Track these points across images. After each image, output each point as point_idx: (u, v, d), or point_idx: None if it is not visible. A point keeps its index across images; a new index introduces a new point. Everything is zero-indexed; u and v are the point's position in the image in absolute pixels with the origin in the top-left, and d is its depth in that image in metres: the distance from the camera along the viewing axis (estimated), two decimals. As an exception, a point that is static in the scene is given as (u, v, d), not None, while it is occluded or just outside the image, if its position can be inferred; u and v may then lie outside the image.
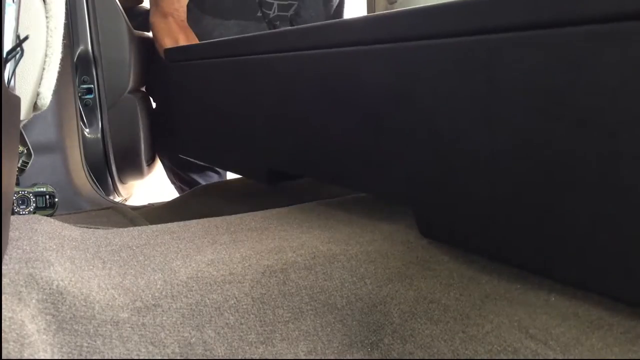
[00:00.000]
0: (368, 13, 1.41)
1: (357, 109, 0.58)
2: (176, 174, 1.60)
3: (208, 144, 0.96)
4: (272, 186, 0.80)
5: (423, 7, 0.49)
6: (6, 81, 0.56)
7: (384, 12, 0.55)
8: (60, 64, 0.85)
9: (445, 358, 0.40)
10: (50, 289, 0.40)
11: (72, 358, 0.38)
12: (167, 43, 1.28)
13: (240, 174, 0.89)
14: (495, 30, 0.42)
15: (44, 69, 0.81)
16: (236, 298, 0.44)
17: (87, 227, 0.63)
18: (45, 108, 0.85)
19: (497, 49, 0.42)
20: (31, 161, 0.92)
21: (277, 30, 0.67)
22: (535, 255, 0.42)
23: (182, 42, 1.28)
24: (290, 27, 0.68)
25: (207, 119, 0.94)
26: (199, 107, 0.97)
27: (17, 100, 0.53)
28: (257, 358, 0.42)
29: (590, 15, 0.36)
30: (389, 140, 0.54)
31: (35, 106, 0.83)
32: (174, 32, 1.29)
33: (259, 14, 1.42)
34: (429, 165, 0.50)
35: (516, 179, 0.42)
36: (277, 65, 0.71)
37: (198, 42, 1.31)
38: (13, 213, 0.84)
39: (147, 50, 1.55)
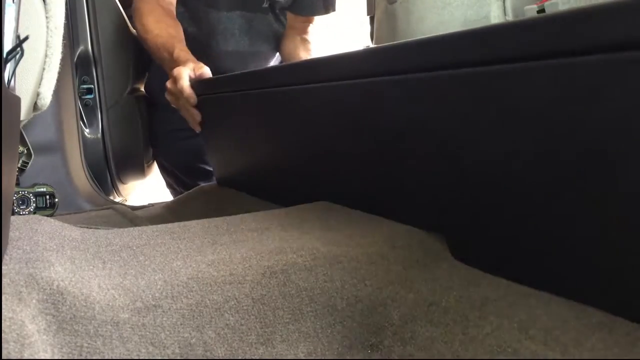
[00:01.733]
0: (368, 13, 1.40)
1: (382, 138, 0.58)
2: (180, 179, 1.57)
3: (240, 173, 0.97)
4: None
5: (440, 36, 0.49)
6: (6, 81, 0.56)
7: (408, 40, 0.54)
8: (60, 64, 0.85)
9: (446, 359, 0.40)
10: (50, 289, 0.40)
11: (72, 358, 0.38)
12: (150, 21, 1.21)
13: (274, 203, 0.87)
14: (506, 60, 0.42)
15: (44, 69, 0.81)
16: (236, 299, 0.44)
17: (87, 227, 0.63)
18: (45, 108, 0.85)
19: (508, 78, 0.42)
20: (31, 161, 0.92)
21: (300, 61, 0.67)
22: (573, 282, 0.40)
23: (165, 25, 1.20)
24: (314, 58, 0.69)
25: (237, 149, 0.95)
26: (226, 138, 0.97)
27: (17, 100, 0.53)
28: (257, 359, 0.42)
29: (606, 42, 0.35)
30: (417, 168, 0.55)
31: (35, 106, 0.83)
32: (157, 13, 1.22)
33: (265, 4, 1.40)
34: (455, 191, 0.50)
35: (540, 205, 0.42)
36: (300, 97, 0.71)
37: (182, 31, 1.24)
38: (13, 213, 0.84)
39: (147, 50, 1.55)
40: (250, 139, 0.90)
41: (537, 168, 0.41)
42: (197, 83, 1.02)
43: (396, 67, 0.54)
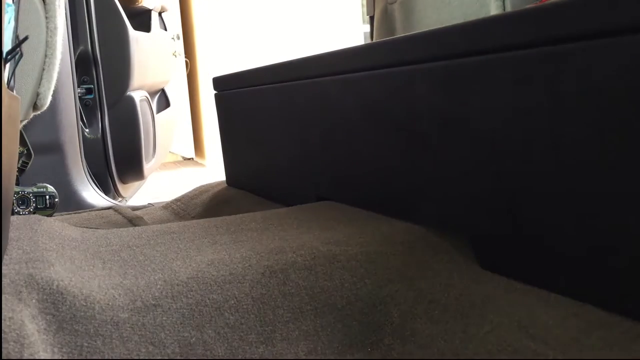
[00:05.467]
0: (368, 13, 1.40)
1: (407, 133, 0.55)
2: None
3: (254, 172, 0.96)
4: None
5: (478, 21, 0.46)
6: (6, 81, 0.56)
7: (434, 28, 0.51)
8: (60, 64, 0.85)
9: (445, 358, 0.40)
10: (50, 289, 0.40)
11: (72, 358, 0.38)
12: None
13: (287, 203, 0.84)
14: (557, 40, 0.39)
15: (43, 69, 0.81)
16: (236, 298, 0.44)
17: (87, 227, 0.63)
18: (45, 108, 0.85)
19: (561, 60, 0.39)
20: (31, 161, 0.92)
21: (321, 53, 0.65)
22: (611, 293, 0.38)
23: None
24: (335, 50, 0.65)
25: (253, 147, 0.94)
26: (244, 136, 0.97)
27: (16, 100, 0.53)
28: (257, 358, 0.42)
29: None
30: (443, 165, 0.51)
31: (35, 106, 0.83)
32: None
33: None
34: (488, 191, 0.47)
35: (590, 205, 0.38)
36: (322, 90, 0.69)
37: None
38: (13, 213, 0.84)
39: (147, 50, 1.55)
40: (260, 137, 0.89)
41: (595, 162, 0.38)
42: (217, 80, 1.03)
43: (424, 55, 0.52)
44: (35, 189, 0.88)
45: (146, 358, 0.39)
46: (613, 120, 0.36)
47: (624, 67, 0.35)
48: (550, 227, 0.42)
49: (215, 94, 1.05)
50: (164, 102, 2.02)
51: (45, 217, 0.59)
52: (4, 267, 0.42)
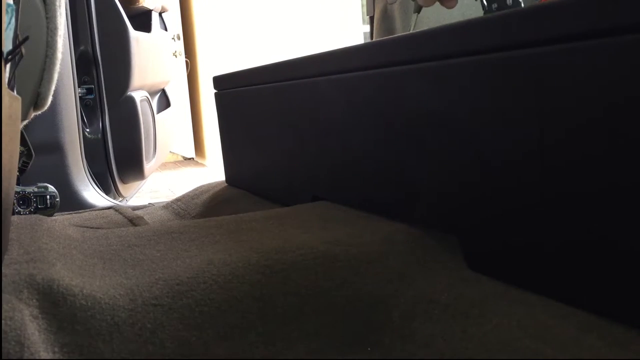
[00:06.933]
0: (368, 13, 1.40)
1: (400, 133, 0.55)
2: None
3: (253, 172, 0.96)
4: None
5: (467, 21, 0.46)
6: (6, 82, 0.56)
7: (427, 29, 0.51)
8: (60, 64, 0.85)
9: (445, 358, 0.40)
10: (51, 289, 0.40)
11: (73, 358, 0.38)
12: None
13: (284, 203, 0.83)
14: (545, 42, 0.39)
15: (44, 69, 0.81)
16: (236, 298, 0.44)
17: (87, 227, 0.63)
18: (45, 108, 0.85)
19: (548, 61, 0.39)
20: (32, 161, 0.92)
21: (319, 53, 0.65)
22: (601, 296, 0.38)
23: None
24: (329, 50, 0.66)
25: (251, 146, 0.94)
26: (243, 135, 0.97)
27: (17, 100, 0.53)
28: (258, 358, 0.42)
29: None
30: (434, 166, 0.51)
31: (35, 106, 0.83)
32: None
33: None
34: (477, 192, 0.47)
35: (579, 208, 0.38)
36: (317, 89, 0.69)
37: None
38: (14, 213, 0.84)
39: (147, 50, 1.55)
40: (259, 136, 0.90)
41: (584, 165, 0.38)
42: (217, 79, 1.03)
43: (417, 56, 0.52)
44: (36, 189, 0.88)
45: (146, 358, 0.39)
46: (602, 122, 0.36)
47: (615, 67, 0.35)
48: (540, 229, 0.42)
49: (215, 93, 1.06)
50: (164, 102, 2.02)
51: (46, 217, 0.59)
52: (4, 267, 0.43)
